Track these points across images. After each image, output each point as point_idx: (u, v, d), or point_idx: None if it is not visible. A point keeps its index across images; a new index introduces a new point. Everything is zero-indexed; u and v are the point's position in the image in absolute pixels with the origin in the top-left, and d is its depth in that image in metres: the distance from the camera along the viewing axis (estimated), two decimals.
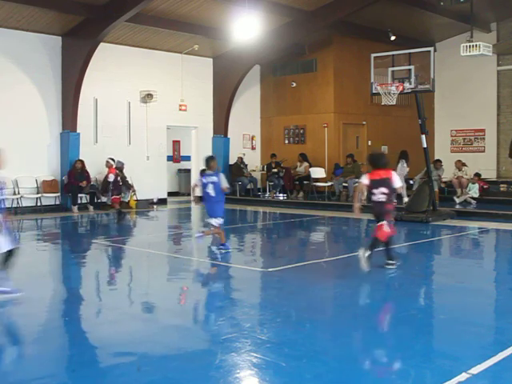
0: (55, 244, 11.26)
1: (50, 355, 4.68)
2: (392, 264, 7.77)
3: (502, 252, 10.28)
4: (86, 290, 7.26)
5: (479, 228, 12.36)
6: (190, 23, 16.16)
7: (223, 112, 18.98)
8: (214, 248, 9.07)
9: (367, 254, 7.34)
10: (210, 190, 8.69)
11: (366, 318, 5.58)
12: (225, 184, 8.75)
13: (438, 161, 16.85)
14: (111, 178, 13.80)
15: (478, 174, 16.15)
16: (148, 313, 6.05)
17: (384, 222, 7.57)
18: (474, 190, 15.76)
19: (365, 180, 7.79)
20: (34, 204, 15.11)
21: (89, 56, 14.95)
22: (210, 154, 17.44)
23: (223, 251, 8.92)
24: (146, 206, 16.67)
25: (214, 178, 8.70)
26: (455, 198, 15.78)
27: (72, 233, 12.80)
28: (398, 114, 19.84)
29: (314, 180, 17.79)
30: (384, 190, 7.59)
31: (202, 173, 9.16)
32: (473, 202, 15.49)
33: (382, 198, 7.58)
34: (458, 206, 15.02)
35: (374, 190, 7.63)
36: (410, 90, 12.92)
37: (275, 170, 18.60)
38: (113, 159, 14.40)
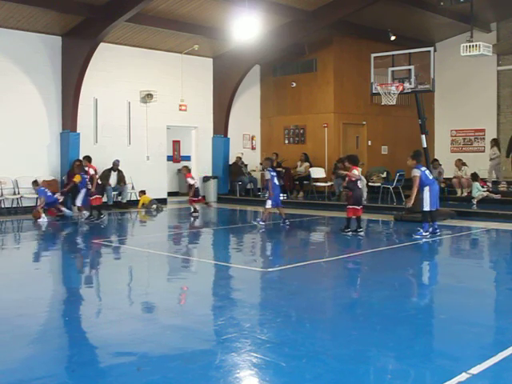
0: (55, 244, 11.26)
1: (50, 355, 4.68)
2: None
3: (502, 252, 10.27)
4: (86, 290, 7.27)
5: (479, 228, 12.35)
6: (190, 23, 16.16)
7: (223, 112, 18.98)
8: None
9: None
10: (276, 181, 12.30)
11: (366, 318, 5.57)
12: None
13: (436, 160, 16.91)
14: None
15: (474, 175, 15.97)
16: (148, 313, 6.05)
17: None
18: (477, 190, 15.61)
19: None
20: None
21: (89, 56, 14.94)
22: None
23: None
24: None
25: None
26: (472, 200, 15.33)
27: (72, 233, 12.78)
28: (398, 113, 19.84)
29: (313, 180, 17.78)
30: None
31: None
32: (474, 201, 15.38)
33: None
34: (474, 207, 14.72)
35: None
36: (410, 90, 12.92)
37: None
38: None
